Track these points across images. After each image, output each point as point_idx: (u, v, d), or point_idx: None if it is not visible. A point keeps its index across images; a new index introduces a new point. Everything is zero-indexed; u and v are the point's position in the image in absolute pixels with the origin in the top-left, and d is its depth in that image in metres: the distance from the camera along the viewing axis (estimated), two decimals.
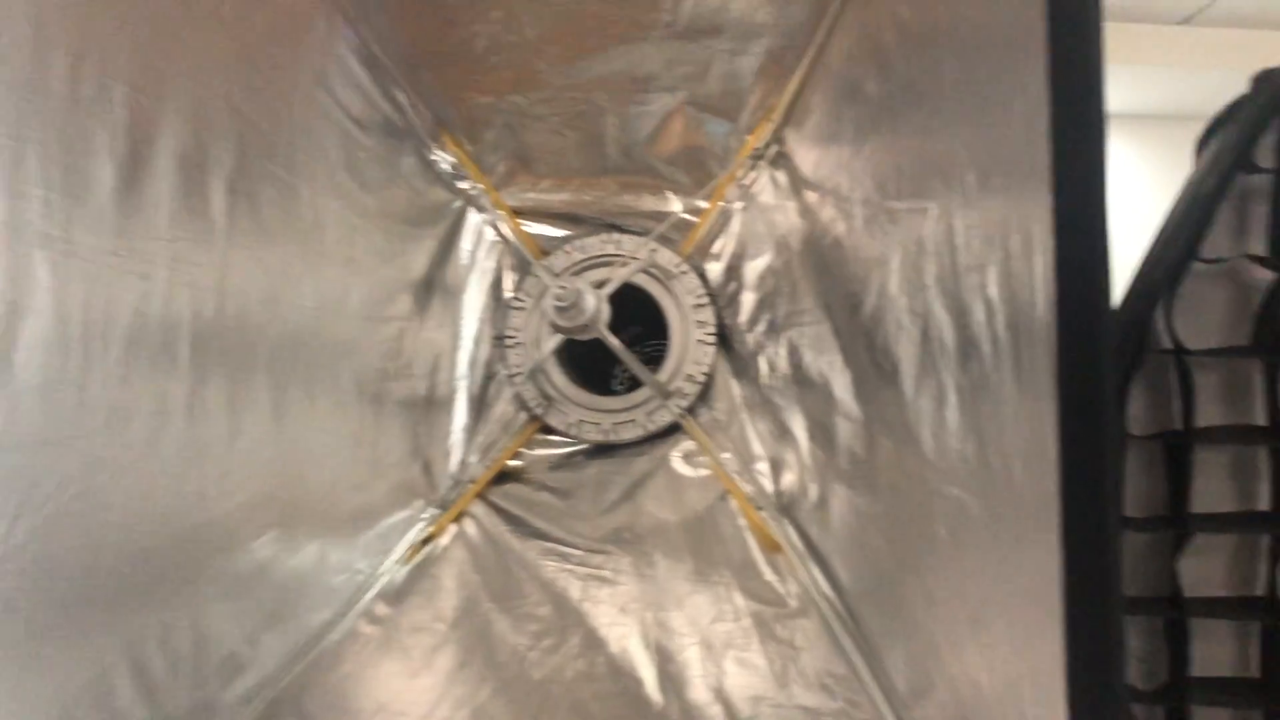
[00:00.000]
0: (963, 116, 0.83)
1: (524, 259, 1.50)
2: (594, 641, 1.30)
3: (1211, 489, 0.95)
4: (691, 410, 1.47)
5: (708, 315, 1.47)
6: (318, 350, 1.21)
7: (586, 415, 1.47)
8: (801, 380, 1.38)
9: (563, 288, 1.21)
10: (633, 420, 1.46)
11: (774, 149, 1.44)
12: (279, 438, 1.07)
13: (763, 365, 1.42)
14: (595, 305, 1.26)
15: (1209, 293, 0.93)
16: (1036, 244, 0.67)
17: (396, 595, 1.36)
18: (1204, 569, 0.95)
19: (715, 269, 1.50)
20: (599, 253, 1.49)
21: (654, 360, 1.50)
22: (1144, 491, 0.95)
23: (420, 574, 1.40)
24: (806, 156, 1.41)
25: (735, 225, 1.48)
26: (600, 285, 1.32)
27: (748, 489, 1.41)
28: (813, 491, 1.35)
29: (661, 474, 1.46)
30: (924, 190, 1.04)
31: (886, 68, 1.14)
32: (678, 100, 1.45)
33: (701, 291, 1.48)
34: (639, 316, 1.51)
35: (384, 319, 1.40)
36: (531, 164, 1.50)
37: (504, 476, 1.49)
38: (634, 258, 1.47)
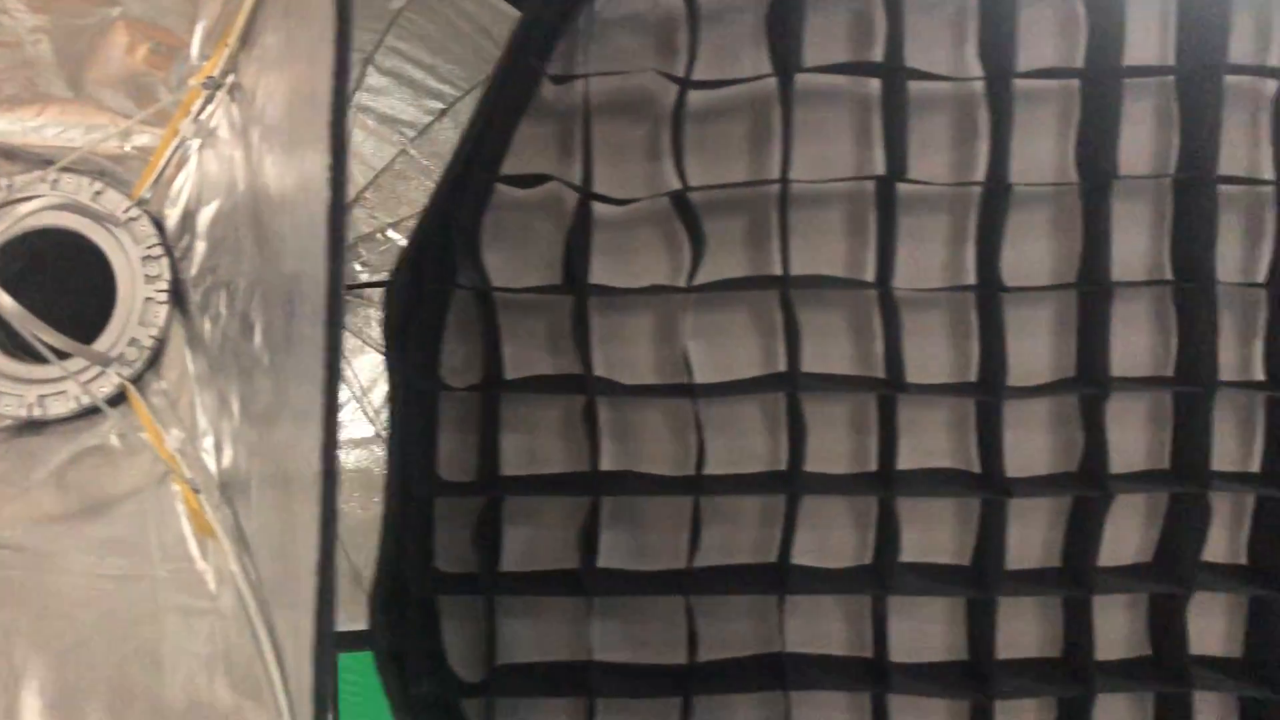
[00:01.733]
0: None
1: None
2: None
3: (532, 447, 0.87)
4: (138, 380, 1.30)
5: (161, 269, 1.30)
6: None
7: (7, 386, 1.27)
8: (240, 341, 1.24)
9: None
10: (64, 392, 1.28)
11: (231, 78, 1.28)
12: None
13: (208, 325, 1.27)
14: None
15: (524, 221, 0.86)
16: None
17: None
18: (524, 540, 0.87)
19: (174, 215, 1.33)
20: (32, 194, 1.28)
21: None
22: (462, 452, 0.85)
23: None
24: (257, 87, 1.27)
25: (193, 165, 1.32)
26: None
27: (190, 469, 1.25)
28: (242, 467, 1.21)
29: (96, 454, 1.29)
30: (314, 119, 0.94)
31: None
32: (116, 14, 1.27)
33: (154, 241, 1.31)
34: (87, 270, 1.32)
35: None
36: None
37: None
38: (72, 199, 1.27)
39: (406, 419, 0.81)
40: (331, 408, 0.78)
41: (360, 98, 2.21)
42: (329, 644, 0.75)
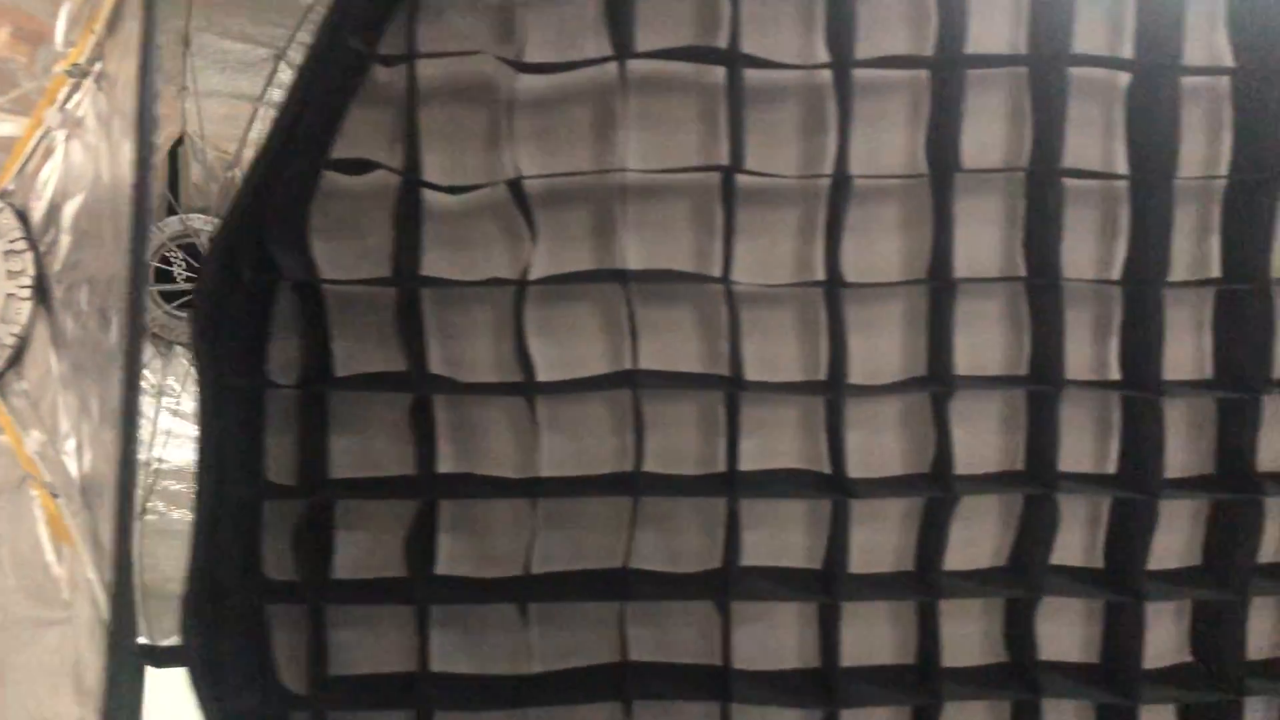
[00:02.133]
0: None
1: None
2: None
3: (364, 448, 0.83)
4: None
5: (24, 264, 1.25)
6: None
7: None
8: (99, 336, 1.18)
9: None
10: None
11: (98, 66, 1.23)
12: None
13: (71, 323, 1.22)
14: None
15: (356, 210, 0.82)
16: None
17: None
18: (357, 546, 0.83)
19: (39, 208, 1.28)
20: None
21: None
22: (290, 453, 0.81)
23: None
24: (122, 75, 1.22)
25: (59, 156, 1.26)
26: None
27: (50, 473, 1.20)
28: (100, 470, 1.16)
29: None
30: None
31: None
32: None
33: (18, 235, 1.26)
34: None
35: None
36: None
37: None
38: None
39: (220, 417, 0.77)
40: (133, 405, 0.74)
41: (273, 94, 2.16)
42: (127, 653, 0.72)
